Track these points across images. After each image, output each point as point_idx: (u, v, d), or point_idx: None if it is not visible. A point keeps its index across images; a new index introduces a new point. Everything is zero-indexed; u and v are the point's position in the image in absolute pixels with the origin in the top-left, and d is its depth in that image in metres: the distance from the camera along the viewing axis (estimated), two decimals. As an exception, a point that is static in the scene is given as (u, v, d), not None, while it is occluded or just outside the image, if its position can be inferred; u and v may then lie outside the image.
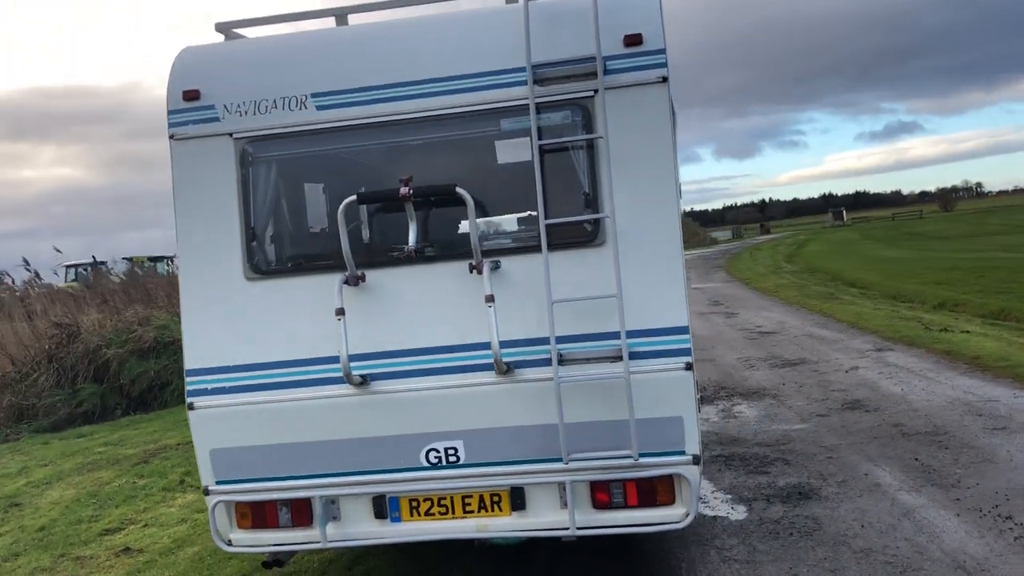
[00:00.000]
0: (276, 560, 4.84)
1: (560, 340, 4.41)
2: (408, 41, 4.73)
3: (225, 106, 4.71)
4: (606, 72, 4.44)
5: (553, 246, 4.44)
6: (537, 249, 4.42)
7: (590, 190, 4.48)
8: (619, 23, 4.47)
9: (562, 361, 4.40)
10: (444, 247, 4.65)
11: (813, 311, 17.14)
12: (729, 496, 6.23)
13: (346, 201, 4.42)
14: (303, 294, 4.62)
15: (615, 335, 4.37)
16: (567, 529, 4.52)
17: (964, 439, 7.05)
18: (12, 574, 6.35)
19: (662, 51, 4.44)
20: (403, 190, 4.38)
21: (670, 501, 4.49)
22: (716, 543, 5.43)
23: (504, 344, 4.44)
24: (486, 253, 4.51)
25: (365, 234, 4.71)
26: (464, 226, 4.73)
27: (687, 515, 4.48)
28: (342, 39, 4.85)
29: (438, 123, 4.60)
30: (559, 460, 4.43)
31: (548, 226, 4.43)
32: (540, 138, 4.46)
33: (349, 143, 4.70)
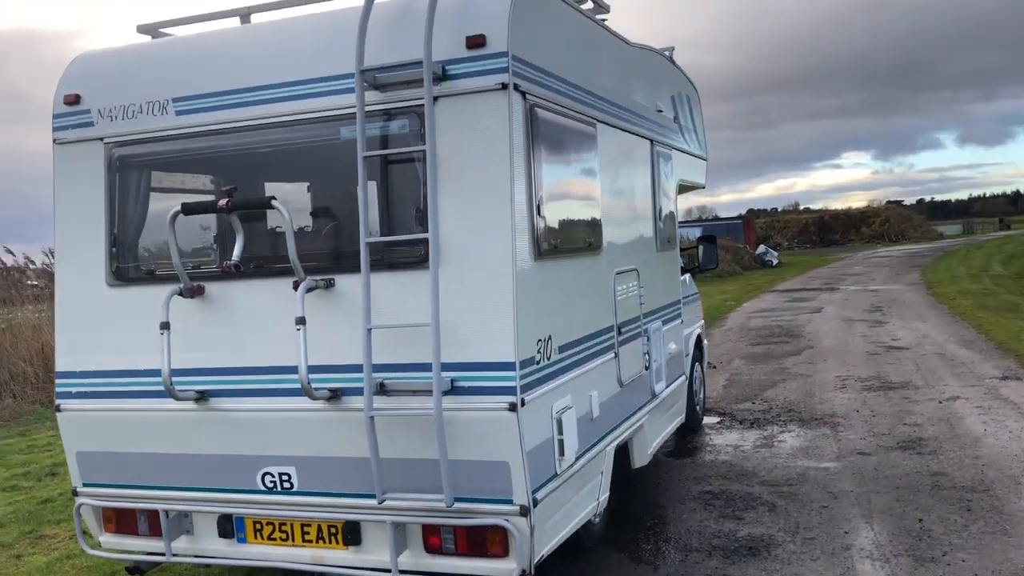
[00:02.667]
0: (136, 567, 4.82)
1: (386, 368, 4.08)
2: (266, 45, 4.51)
3: (99, 111, 4.70)
4: (447, 77, 4.03)
5: (383, 266, 4.12)
6: (377, 268, 4.10)
7: (424, 207, 4.09)
8: (464, 23, 4.05)
9: (386, 391, 4.07)
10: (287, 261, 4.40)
11: (971, 326, 15.33)
12: (673, 543, 5.59)
13: (171, 211, 4.30)
14: (158, 303, 4.53)
15: (444, 366, 3.98)
16: (382, 572, 4.20)
17: (999, 501, 5.97)
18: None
19: (504, 54, 3.96)
20: (222, 202, 4.19)
21: (502, 553, 4.07)
22: (616, 598, 4.89)
23: (333, 369, 4.19)
24: (322, 270, 4.24)
25: (207, 243, 4.57)
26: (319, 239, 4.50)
27: (519, 571, 4.02)
28: (206, 44, 4.70)
29: (288, 129, 4.36)
30: None
31: (376, 245, 4.10)
32: (374, 148, 4.13)
33: (207, 148, 4.56)
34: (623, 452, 5.83)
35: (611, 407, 5.22)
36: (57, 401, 4.76)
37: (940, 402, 9.20)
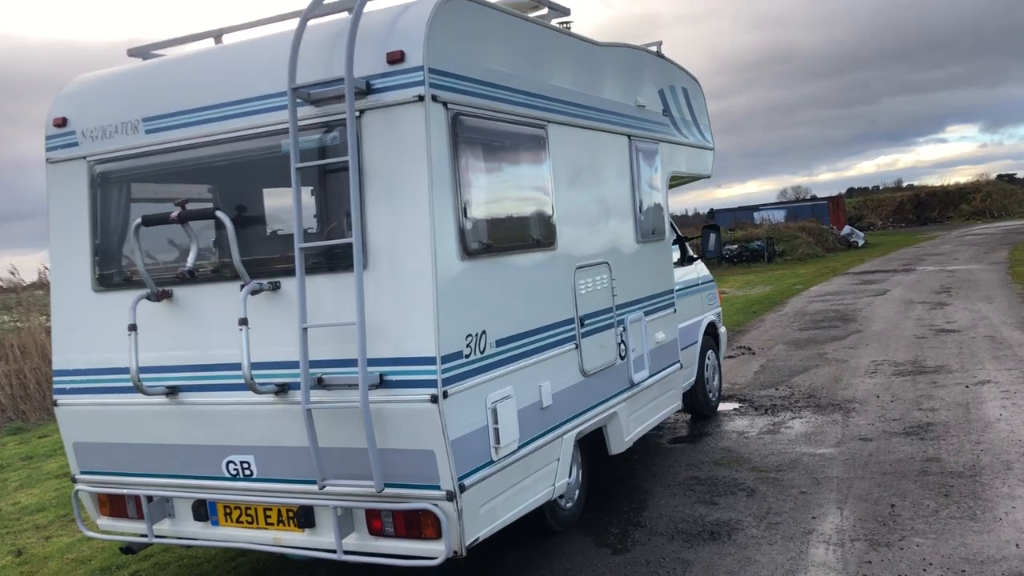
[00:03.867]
0: (128, 548, 5.27)
1: (325, 364, 4.40)
2: (221, 67, 4.88)
3: (83, 132, 5.14)
4: (372, 91, 4.31)
5: (324, 269, 4.44)
6: (319, 271, 4.43)
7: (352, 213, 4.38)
8: (386, 40, 4.33)
9: (325, 385, 4.39)
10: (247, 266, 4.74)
11: (1039, 306, 14.84)
12: (641, 527, 5.77)
13: (134, 223, 4.71)
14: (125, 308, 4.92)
15: (374, 362, 4.29)
16: (331, 552, 4.53)
17: (981, 487, 5.94)
18: None
19: (420, 68, 4.21)
20: (173, 214, 4.58)
21: (435, 536, 4.35)
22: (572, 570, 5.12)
23: (281, 365, 4.53)
24: (271, 273, 4.58)
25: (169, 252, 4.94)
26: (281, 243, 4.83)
27: (448, 552, 4.30)
28: (171, 68, 5.08)
29: (240, 143, 4.71)
30: None
31: (315, 249, 4.42)
32: (312, 159, 4.44)
33: (175, 163, 4.93)
34: (597, 439, 6.05)
35: (571, 396, 5.43)
36: (54, 396, 5.24)
37: (968, 386, 9.05)
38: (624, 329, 6.23)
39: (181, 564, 5.73)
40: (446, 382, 4.24)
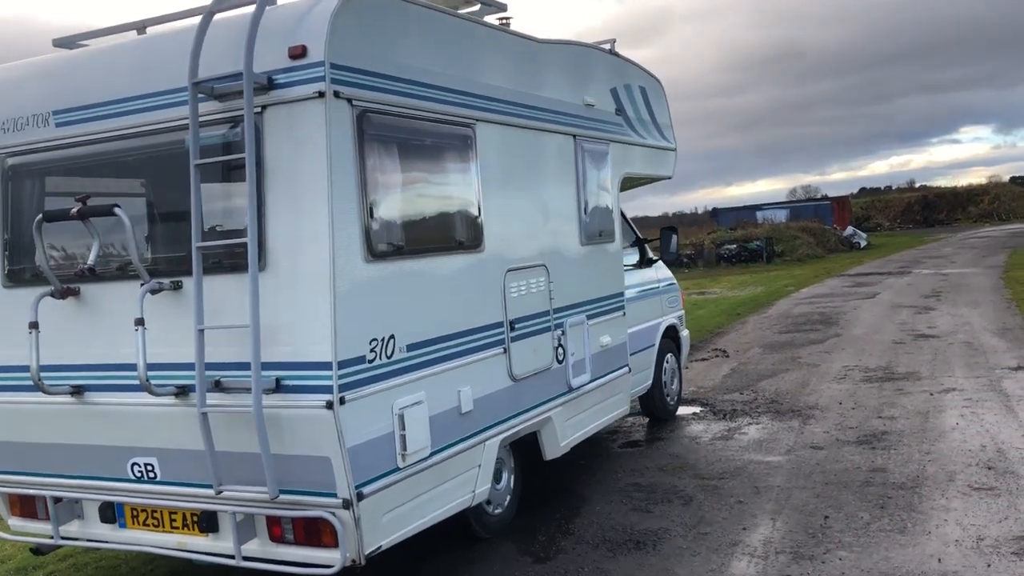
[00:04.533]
0: (38, 549, 5.19)
1: (225, 367, 4.30)
2: (129, 61, 4.78)
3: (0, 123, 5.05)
4: (274, 86, 4.21)
5: (225, 269, 4.34)
6: (220, 270, 4.33)
7: (258, 211, 4.27)
8: (289, 35, 4.22)
9: (223, 388, 4.29)
10: (152, 264, 4.65)
11: (1022, 312, 14.66)
12: (569, 535, 5.67)
13: (36, 219, 4.62)
14: (44, 303, 4.84)
15: (271, 365, 4.19)
16: (233, 558, 4.45)
17: (920, 498, 5.82)
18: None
19: (322, 64, 4.11)
20: (73, 210, 4.49)
21: (333, 544, 4.25)
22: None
23: (181, 367, 4.44)
24: (179, 272, 4.48)
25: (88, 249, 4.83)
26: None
27: (345, 561, 4.21)
28: (85, 58, 4.98)
29: (146, 138, 4.61)
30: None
31: (216, 248, 4.32)
32: (215, 155, 4.34)
33: (84, 156, 4.83)
34: (531, 444, 5.95)
35: (497, 401, 5.33)
36: (-39, 394, 5.15)
37: (932, 394, 8.92)
38: (563, 333, 6.12)
39: (99, 566, 5.67)
40: (344, 388, 4.14)
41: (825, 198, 57.99)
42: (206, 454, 4.26)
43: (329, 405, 4.08)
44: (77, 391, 4.73)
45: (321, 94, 4.12)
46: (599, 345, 6.69)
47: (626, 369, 7.19)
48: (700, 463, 7.05)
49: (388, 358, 4.44)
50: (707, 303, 20.13)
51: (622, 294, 7.19)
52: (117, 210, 4.44)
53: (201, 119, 4.32)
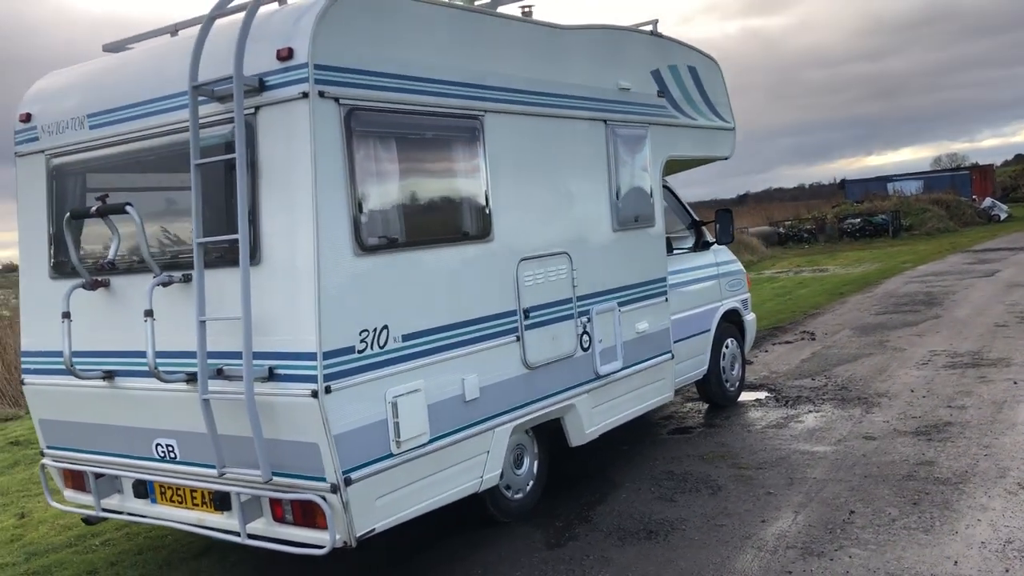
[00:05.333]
0: (88, 519, 5.61)
1: (227, 356, 4.53)
2: (152, 65, 5.05)
3: (42, 127, 5.45)
4: (266, 88, 4.40)
5: (223, 263, 4.56)
6: (223, 264, 4.56)
7: (253, 209, 4.48)
8: (278, 37, 4.40)
9: (225, 376, 4.53)
10: (173, 258, 4.93)
11: None
12: (586, 522, 5.70)
13: (65, 216, 4.97)
14: (78, 296, 5.20)
15: (266, 355, 4.41)
16: (232, 534, 4.71)
17: (958, 496, 5.56)
18: None
19: (304, 65, 4.26)
20: (93, 208, 4.81)
21: (325, 526, 4.44)
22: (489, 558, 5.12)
23: (191, 355, 4.67)
24: (187, 265, 4.74)
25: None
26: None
27: (335, 542, 4.40)
28: (117, 62, 5.29)
29: (168, 137, 4.86)
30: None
31: (220, 243, 4.54)
32: (219, 154, 4.54)
33: (115, 158, 5.15)
34: (555, 431, 6.00)
35: (509, 389, 5.41)
36: (22, 376, 5.62)
37: (1016, 383, 8.43)
38: (589, 320, 6.13)
39: (148, 535, 6.06)
40: (330, 377, 4.30)
41: (966, 167, 54.75)
42: (209, 437, 4.51)
43: (314, 394, 4.26)
44: (108, 376, 5.07)
45: (305, 95, 4.26)
46: (634, 332, 6.65)
47: (668, 356, 7.11)
48: (743, 452, 6.93)
49: (381, 348, 4.58)
50: (813, 281, 19.50)
51: (664, 279, 7.10)
52: (128, 208, 4.73)
53: (204, 120, 4.55)
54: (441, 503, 4.99)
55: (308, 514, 4.51)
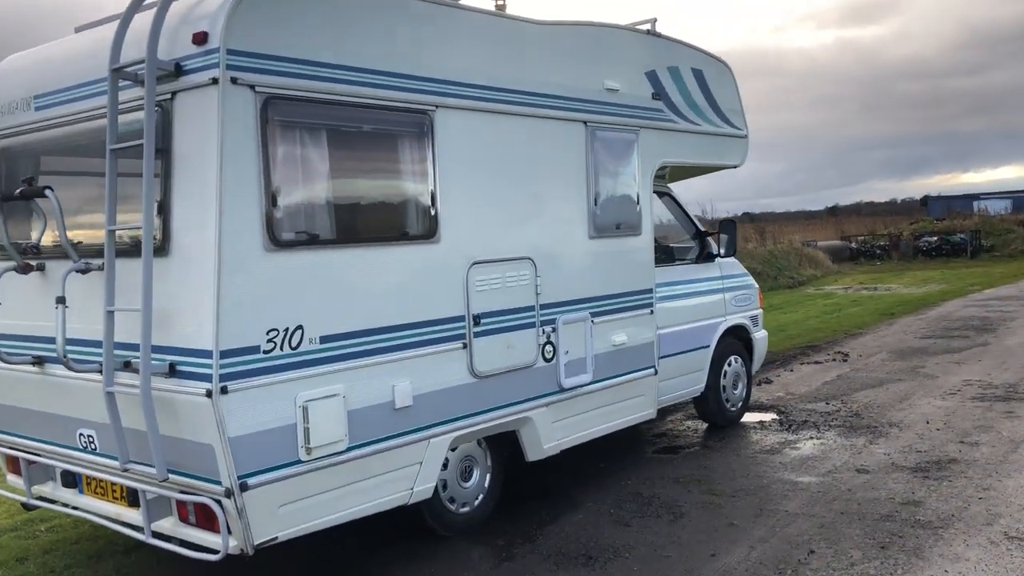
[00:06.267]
0: (25, 505, 5.55)
1: (133, 348, 4.39)
2: (91, 47, 4.93)
3: None
4: (183, 73, 4.24)
5: (136, 252, 4.40)
6: (135, 254, 4.41)
7: (162, 197, 4.33)
8: (196, 20, 4.24)
9: (134, 369, 4.39)
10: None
11: None
12: (531, 540, 5.41)
13: (-4, 199, 4.91)
14: (14, 279, 5.11)
15: (168, 350, 4.26)
16: (142, 532, 4.56)
17: (935, 543, 5.10)
18: None
19: (216, 50, 4.08)
20: (17, 191, 4.72)
21: (227, 530, 4.27)
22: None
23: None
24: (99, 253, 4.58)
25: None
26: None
27: (228, 549, 4.23)
28: (65, 44, 5.19)
29: (99, 121, 4.75)
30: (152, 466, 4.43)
31: (124, 232, 4.41)
32: (132, 140, 4.39)
33: (57, 137, 5.04)
34: (510, 443, 5.73)
35: (451, 398, 5.16)
36: (-40, 358, 5.57)
37: (1043, 419, 7.81)
38: (554, 330, 5.83)
39: (90, 525, 5.97)
40: (228, 377, 4.12)
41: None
42: (112, 429, 4.38)
43: (208, 393, 4.08)
44: (38, 362, 4.99)
45: (215, 80, 4.09)
46: (609, 344, 6.32)
47: (650, 371, 6.75)
48: (722, 477, 6.53)
49: (292, 349, 4.38)
50: (868, 300, 18.71)
51: (649, 291, 6.75)
52: (48, 192, 4.63)
53: (128, 104, 4.41)
54: (362, 514, 4.77)
55: (208, 516, 4.34)
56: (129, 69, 4.33)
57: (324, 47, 4.49)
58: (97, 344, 4.57)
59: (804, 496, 6.02)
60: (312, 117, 4.49)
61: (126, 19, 4.40)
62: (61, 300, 4.50)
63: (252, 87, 4.20)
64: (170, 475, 4.33)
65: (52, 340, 4.93)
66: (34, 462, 5.27)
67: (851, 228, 41.32)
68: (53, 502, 5.32)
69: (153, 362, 4.23)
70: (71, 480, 5.13)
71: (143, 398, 4.14)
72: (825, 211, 64.26)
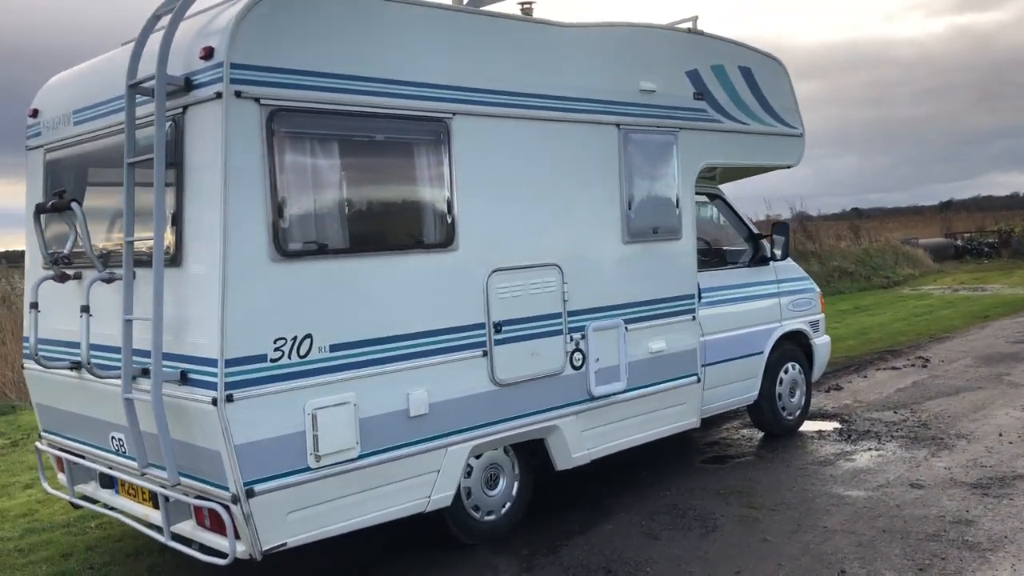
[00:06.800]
0: (73, 503, 5.78)
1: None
2: (119, 65, 5.09)
3: (43, 123, 5.65)
4: (193, 87, 4.35)
5: (150, 263, 4.51)
6: (174, 264, 4.51)
7: (175, 209, 4.44)
8: (204, 35, 4.33)
9: (149, 376, 4.51)
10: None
11: None
12: (554, 553, 5.33)
13: (32, 210, 5.11)
14: (57, 286, 5.32)
15: (181, 358, 4.38)
16: (162, 533, 4.69)
17: (980, 566, 4.80)
18: None
19: (220, 65, 4.17)
20: (49, 204, 4.91)
21: (236, 535, 4.35)
22: None
23: (136, 352, 4.68)
24: (142, 263, 4.73)
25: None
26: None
27: (236, 554, 4.32)
28: (105, 59, 5.34)
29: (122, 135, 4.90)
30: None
31: (141, 242, 4.53)
32: (140, 155, 4.51)
33: (93, 153, 5.24)
34: (539, 452, 5.68)
35: (471, 405, 5.14)
36: (23, 360, 5.85)
37: None
38: (583, 337, 5.74)
39: (133, 523, 6.18)
40: (234, 386, 4.19)
41: None
42: (130, 436, 4.52)
43: (214, 402, 4.16)
44: (76, 366, 5.18)
45: (219, 95, 4.16)
46: (646, 351, 6.19)
47: (692, 379, 6.58)
48: (766, 489, 6.32)
49: (301, 357, 4.42)
50: (964, 301, 17.84)
51: (691, 296, 6.58)
52: (74, 205, 4.80)
53: (144, 120, 4.53)
54: (377, 521, 4.79)
55: (219, 520, 4.42)
56: (145, 84, 4.45)
57: (333, 58, 4.52)
58: (119, 351, 4.72)
59: (848, 512, 5.77)
60: (322, 128, 4.53)
61: (143, 35, 4.53)
62: (85, 309, 4.66)
63: (257, 100, 4.26)
64: (185, 479, 4.45)
65: (93, 347, 5.13)
66: (75, 463, 5.48)
67: (960, 225, 39.52)
68: (95, 502, 5.51)
69: (166, 369, 4.35)
70: (108, 481, 5.31)
71: (154, 404, 4.26)
72: (939, 206, 61.51)
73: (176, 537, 4.68)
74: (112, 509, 5.32)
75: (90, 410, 5.21)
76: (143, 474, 4.58)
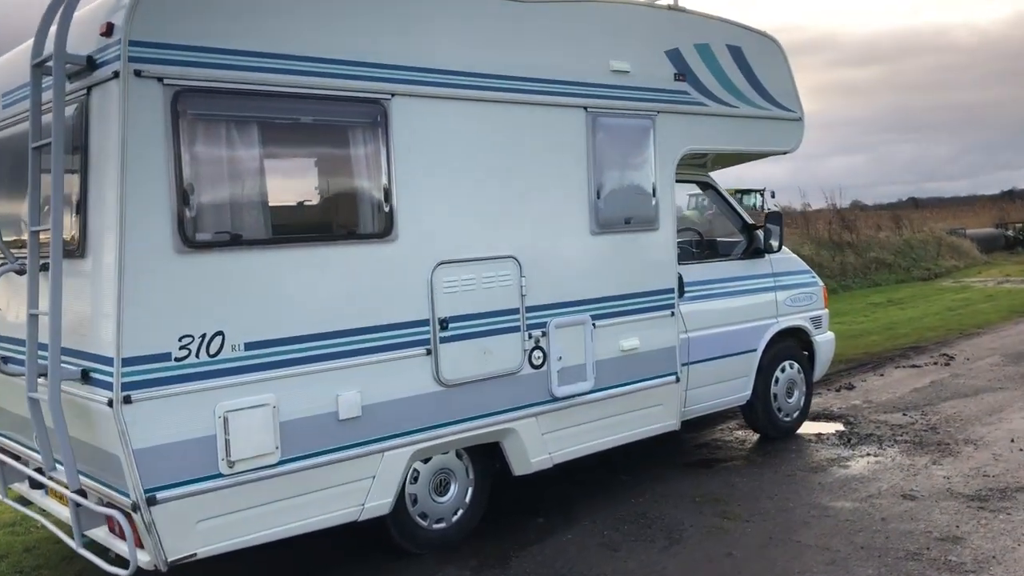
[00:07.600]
0: (6, 502, 5.57)
1: (67, 353, 4.25)
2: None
3: None
4: (96, 66, 4.07)
5: (66, 255, 4.28)
6: (67, 256, 4.26)
7: (80, 196, 4.18)
8: (106, 9, 4.04)
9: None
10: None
11: None
12: (504, 564, 5.00)
13: (-42, 200, 4.90)
14: None
15: (83, 355, 4.12)
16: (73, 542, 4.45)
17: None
18: None
19: (119, 43, 3.88)
20: (-33, 193, 4.68)
21: (139, 544, 4.10)
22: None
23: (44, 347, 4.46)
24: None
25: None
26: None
27: (139, 563, 4.06)
28: (17, 51, 5.11)
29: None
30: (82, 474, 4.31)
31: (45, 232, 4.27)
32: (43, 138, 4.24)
33: (17, 138, 5.00)
34: (495, 456, 5.35)
35: (411, 407, 4.82)
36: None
37: None
38: (544, 334, 5.38)
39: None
40: (132, 386, 3.92)
41: None
42: (34, 435, 4.28)
43: (110, 403, 3.89)
44: (4, 360, 4.95)
45: (116, 74, 3.88)
46: (617, 349, 5.80)
47: (670, 378, 6.18)
48: (746, 498, 5.90)
49: (210, 356, 4.14)
50: (1005, 295, 17.07)
51: (670, 290, 6.17)
52: None
53: (47, 105, 4.26)
54: (303, 530, 4.50)
55: (123, 529, 4.16)
56: (48, 64, 4.18)
57: (249, 35, 4.20)
58: (42, 347, 4.47)
59: (827, 525, 5.34)
60: (238, 110, 4.22)
61: (49, 12, 4.25)
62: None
63: (160, 79, 3.96)
64: (94, 484, 4.20)
65: (12, 341, 4.92)
66: (5, 462, 5.27)
67: (1016, 215, 38.17)
68: (25, 504, 5.30)
69: (68, 367, 4.10)
70: (38, 482, 5.09)
71: (51, 403, 4.00)
72: (1001, 195, 59.45)
73: (89, 545, 4.42)
74: (41, 511, 5.11)
75: (15, 407, 4.98)
76: (50, 477, 4.33)
